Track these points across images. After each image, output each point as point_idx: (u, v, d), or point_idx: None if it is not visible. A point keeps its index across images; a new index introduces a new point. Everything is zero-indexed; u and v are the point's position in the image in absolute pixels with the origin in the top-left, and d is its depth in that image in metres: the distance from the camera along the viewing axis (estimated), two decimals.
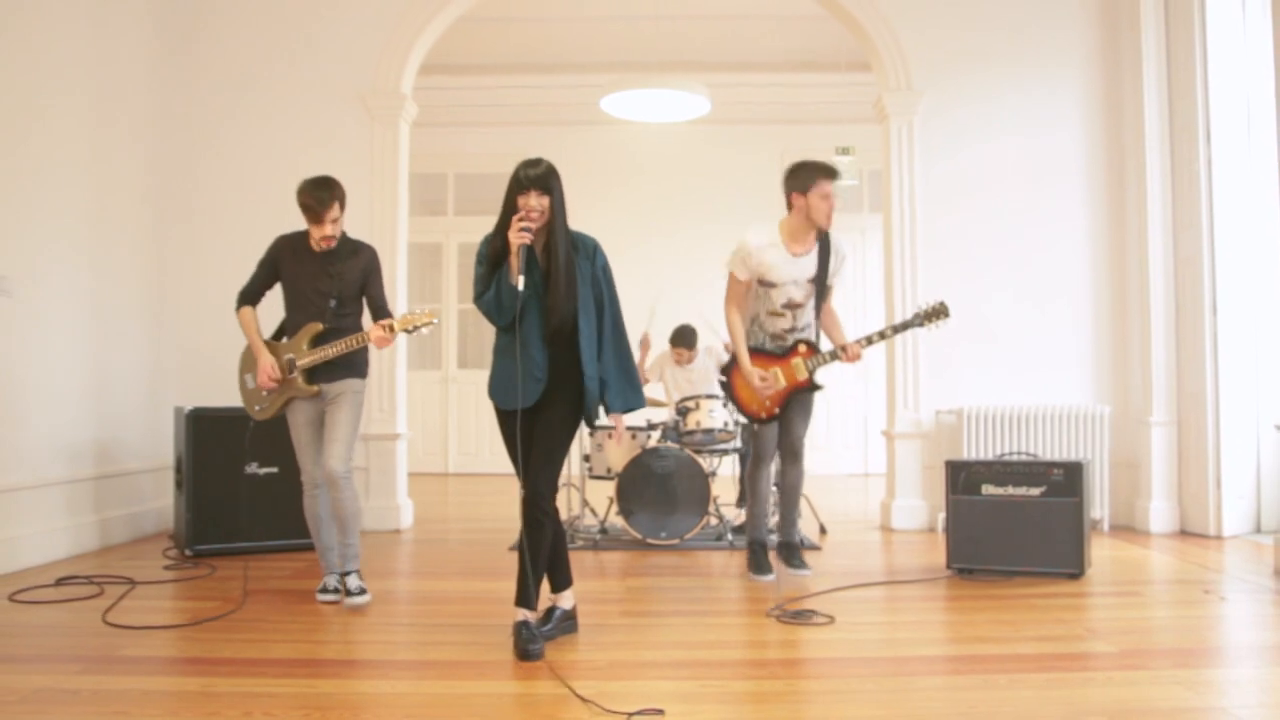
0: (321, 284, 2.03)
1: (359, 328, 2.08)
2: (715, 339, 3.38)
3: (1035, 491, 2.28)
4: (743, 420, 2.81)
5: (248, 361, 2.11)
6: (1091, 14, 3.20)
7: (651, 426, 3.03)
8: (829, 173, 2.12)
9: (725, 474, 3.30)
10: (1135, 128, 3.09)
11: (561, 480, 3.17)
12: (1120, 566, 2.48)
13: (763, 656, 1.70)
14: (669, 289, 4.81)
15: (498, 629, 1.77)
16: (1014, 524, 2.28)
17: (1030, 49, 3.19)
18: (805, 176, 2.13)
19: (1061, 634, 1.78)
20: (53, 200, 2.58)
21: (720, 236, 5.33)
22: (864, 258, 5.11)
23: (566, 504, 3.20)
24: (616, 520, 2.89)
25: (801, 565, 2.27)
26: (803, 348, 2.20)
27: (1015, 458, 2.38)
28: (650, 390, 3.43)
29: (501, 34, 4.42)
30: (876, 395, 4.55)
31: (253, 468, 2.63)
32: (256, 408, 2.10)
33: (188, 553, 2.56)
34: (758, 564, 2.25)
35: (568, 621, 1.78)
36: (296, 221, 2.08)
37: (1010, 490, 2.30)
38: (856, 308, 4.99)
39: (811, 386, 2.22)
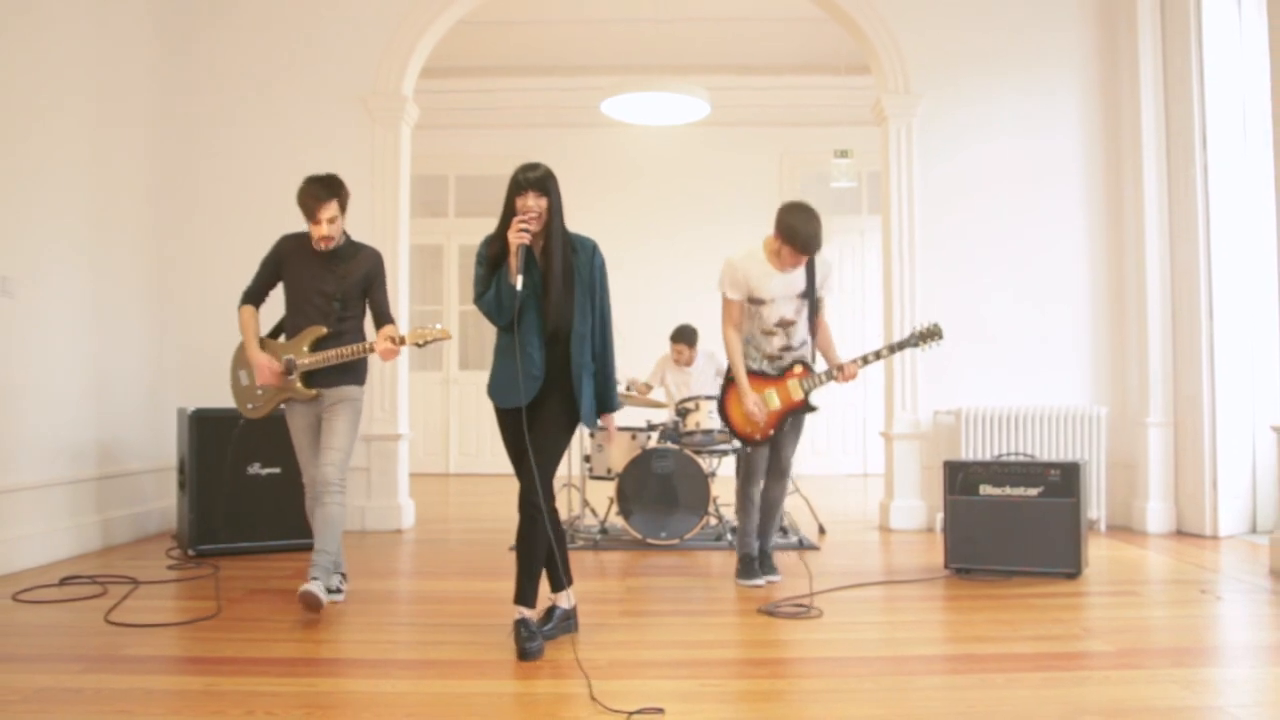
0: (325, 285, 2.00)
1: (361, 332, 2.06)
2: (718, 344, 3.39)
3: (1033, 492, 2.29)
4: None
5: (241, 358, 2.08)
6: (1089, 18, 3.22)
7: (651, 427, 3.04)
8: (805, 249, 2.08)
9: (725, 474, 3.30)
10: (1132, 132, 3.11)
11: (563, 481, 3.22)
12: (1117, 566, 2.50)
13: (762, 656, 1.71)
14: (668, 290, 4.83)
15: (498, 628, 1.78)
16: (1011, 524, 2.29)
17: (1028, 52, 3.21)
18: (790, 233, 2.08)
19: (1058, 633, 1.79)
20: (54, 201, 2.59)
21: (720, 238, 5.37)
22: (863, 259, 5.13)
23: (567, 504, 3.21)
24: (617, 520, 2.90)
25: (771, 570, 2.28)
26: (798, 368, 2.19)
27: (1013, 458, 2.39)
28: (651, 393, 3.45)
29: (502, 37, 4.44)
30: (875, 396, 4.56)
31: (255, 468, 2.64)
32: (249, 405, 2.06)
33: (190, 553, 2.57)
34: (743, 572, 2.26)
35: (567, 621, 1.79)
36: (298, 222, 2.07)
37: (1008, 491, 2.31)
38: (855, 310, 5.01)
39: (807, 408, 2.22)
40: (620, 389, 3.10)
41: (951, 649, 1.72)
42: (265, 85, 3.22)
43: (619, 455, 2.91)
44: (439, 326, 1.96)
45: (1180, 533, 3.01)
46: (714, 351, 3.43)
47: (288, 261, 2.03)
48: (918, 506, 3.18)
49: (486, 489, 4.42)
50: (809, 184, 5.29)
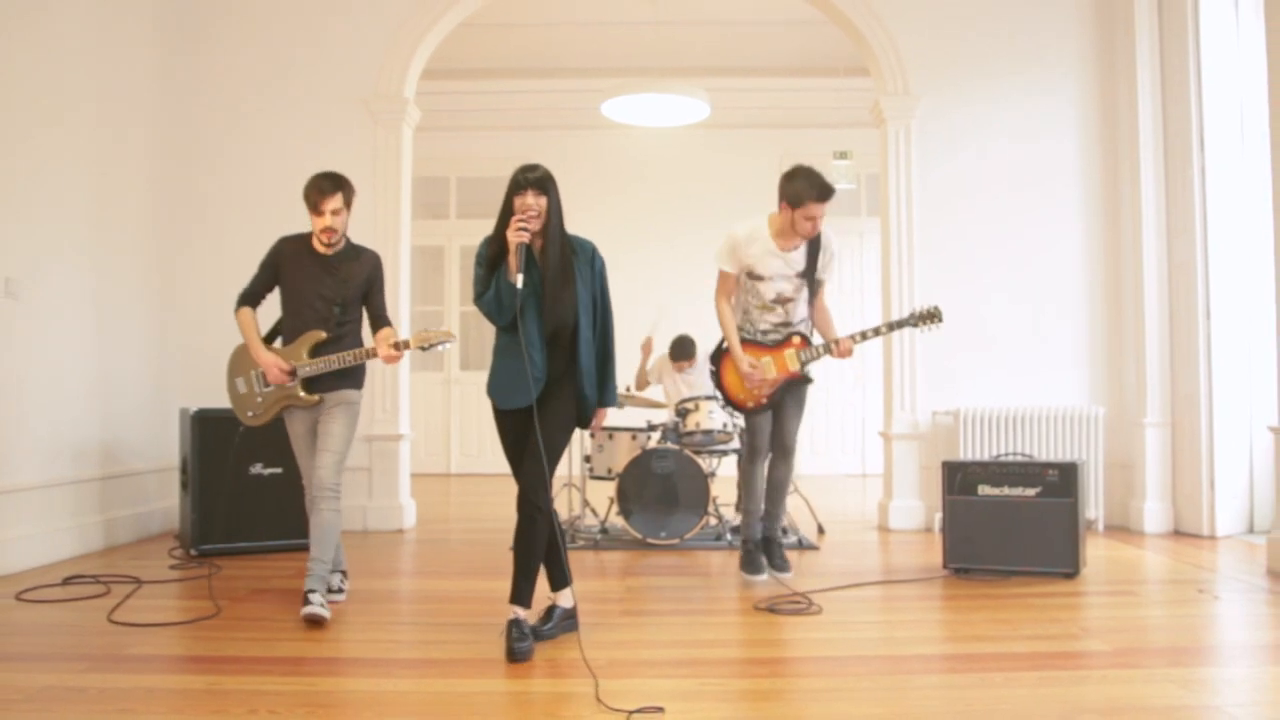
0: (325, 288, 1.96)
1: (359, 336, 2.04)
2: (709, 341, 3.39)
3: (1031, 492, 2.30)
4: (737, 417, 2.80)
5: (236, 365, 2.05)
6: (1087, 20, 3.23)
7: (651, 428, 3.05)
8: (821, 195, 2.06)
9: (725, 474, 3.31)
10: (1130, 133, 3.12)
11: (563, 481, 3.23)
12: (1115, 566, 2.50)
13: (762, 655, 1.72)
14: (668, 293, 4.84)
15: (499, 628, 1.77)
16: (1010, 524, 2.30)
17: (1026, 54, 3.22)
18: (798, 192, 2.07)
19: (1056, 633, 1.80)
20: (57, 203, 2.60)
21: (720, 239, 5.38)
22: (861, 261, 5.14)
23: (568, 504, 3.22)
24: (617, 520, 2.90)
25: (784, 566, 2.26)
26: (796, 339, 2.19)
27: (1011, 459, 2.40)
28: (649, 392, 3.47)
29: (503, 39, 4.45)
30: (874, 397, 4.58)
31: (257, 468, 2.65)
32: (249, 414, 2.03)
33: (193, 552, 2.58)
34: (750, 562, 2.24)
35: (568, 620, 1.80)
36: (301, 224, 2.07)
37: (1006, 491, 2.32)
38: (855, 310, 5.01)
39: (803, 379, 2.20)
40: (620, 390, 3.13)
41: (950, 648, 1.73)
42: (267, 87, 3.23)
43: (619, 455, 2.92)
44: (443, 329, 1.94)
45: (1178, 533, 3.02)
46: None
47: (286, 264, 1.99)
48: (916, 506, 3.19)
49: (487, 489, 4.43)
50: None
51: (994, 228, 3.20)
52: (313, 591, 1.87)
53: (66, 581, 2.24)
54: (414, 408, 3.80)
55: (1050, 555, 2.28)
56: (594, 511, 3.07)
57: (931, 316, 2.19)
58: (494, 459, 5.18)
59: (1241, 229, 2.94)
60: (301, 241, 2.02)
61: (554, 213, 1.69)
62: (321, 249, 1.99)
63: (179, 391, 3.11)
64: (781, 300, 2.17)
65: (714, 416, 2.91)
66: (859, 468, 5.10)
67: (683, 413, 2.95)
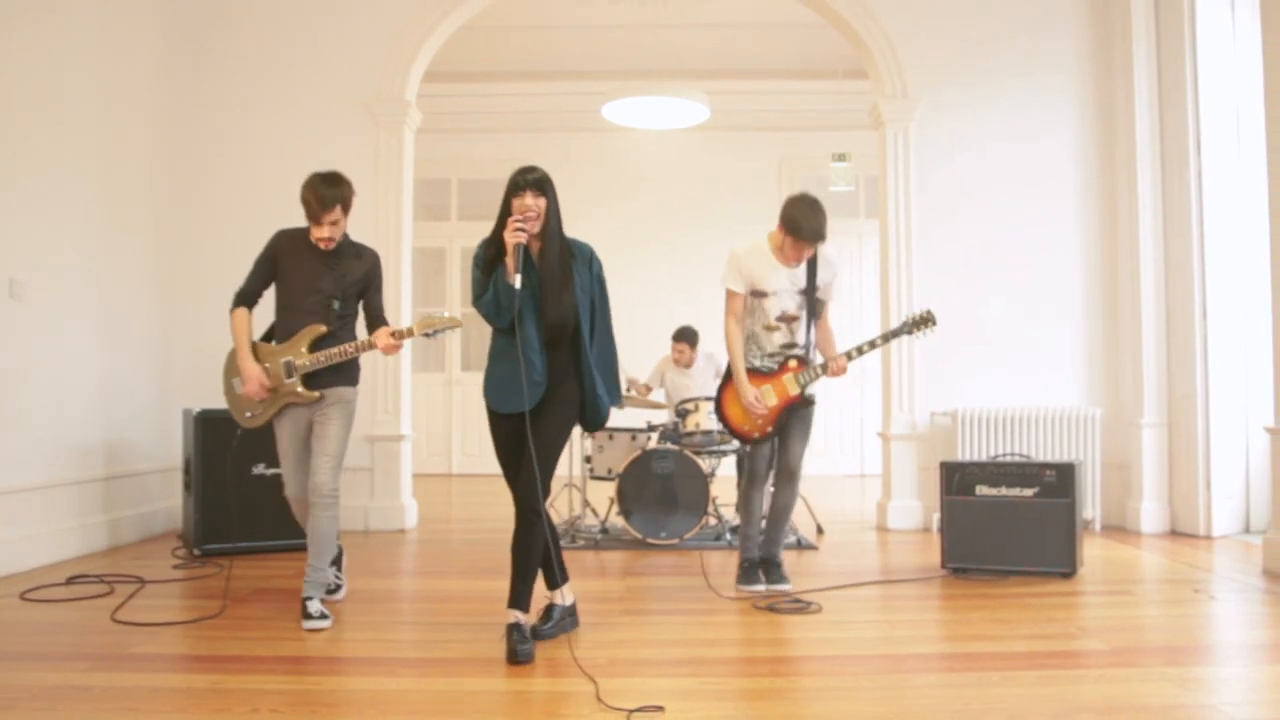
0: (323, 283, 1.91)
1: (353, 332, 2.00)
2: (717, 347, 3.41)
3: (1028, 492, 2.31)
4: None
5: (233, 366, 1.99)
6: (1084, 24, 3.25)
7: (651, 428, 3.07)
8: (812, 238, 2.07)
9: (724, 474, 3.32)
10: (1127, 136, 3.14)
11: (563, 481, 3.24)
12: (1112, 566, 2.51)
13: (761, 654, 1.73)
14: (666, 294, 4.86)
15: (500, 627, 1.78)
16: (1007, 524, 2.31)
17: (1024, 58, 3.24)
18: (794, 224, 2.07)
19: (1054, 632, 1.81)
20: (62, 205, 2.61)
21: (719, 242, 5.36)
22: (860, 263, 5.16)
23: (568, 504, 3.24)
24: (617, 520, 2.91)
25: (781, 580, 2.22)
26: (793, 363, 2.17)
27: (1009, 459, 2.41)
28: (651, 395, 3.47)
29: (504, 42, 4.47)
30: (872, 397, 4.59)
31: (260, 468, 2.66)
32: (248, 414, 1.96)
33: (196, 552, 2.59)
34: (747, 578, 2.22)
35: (569, 618, 1.80)
36: (302, 223, 2.04)
37: (1004, 491, 2.33)
38: (854, 312, 5.03)
39: (805, 402, 2.18)
40: (623, 388, 3.13)
41: (948, 647, 1.74)
42: (269, 90, 3.24)
43: (619, 456, 2.93)
44: (447, 314, 1.90)
45: (1174, 533, 3.04)
46: (713, 353, 3.45)
47: (284, 258, 1.94)
48: (915, 507, 3.21)
49: (488, 489, 4.44)
50: (807, 188, 5.27)
51: (992, 229, 3.21)
52: (310, 600, 1.87)
53: (70, 581, 2.25)
54: (415, 408, 3.80)
55: (1048, 555, 2.29)
56: (594, 511, 3.08)
57: (925, 321, 2.18)
58: (495, 460, 5.21)
59: (1238, 231, 2.95)
60: (300, 235, 1.96)
61: (552, 215, 1.68)
62: (322, 248, 1.96)
63: (182, 392, 3.12)
64: (786, 319, 2.16)
65: (713, 417, 2.92)
66: (858, 468, 5.12)
67: (682, 413, 2.96)
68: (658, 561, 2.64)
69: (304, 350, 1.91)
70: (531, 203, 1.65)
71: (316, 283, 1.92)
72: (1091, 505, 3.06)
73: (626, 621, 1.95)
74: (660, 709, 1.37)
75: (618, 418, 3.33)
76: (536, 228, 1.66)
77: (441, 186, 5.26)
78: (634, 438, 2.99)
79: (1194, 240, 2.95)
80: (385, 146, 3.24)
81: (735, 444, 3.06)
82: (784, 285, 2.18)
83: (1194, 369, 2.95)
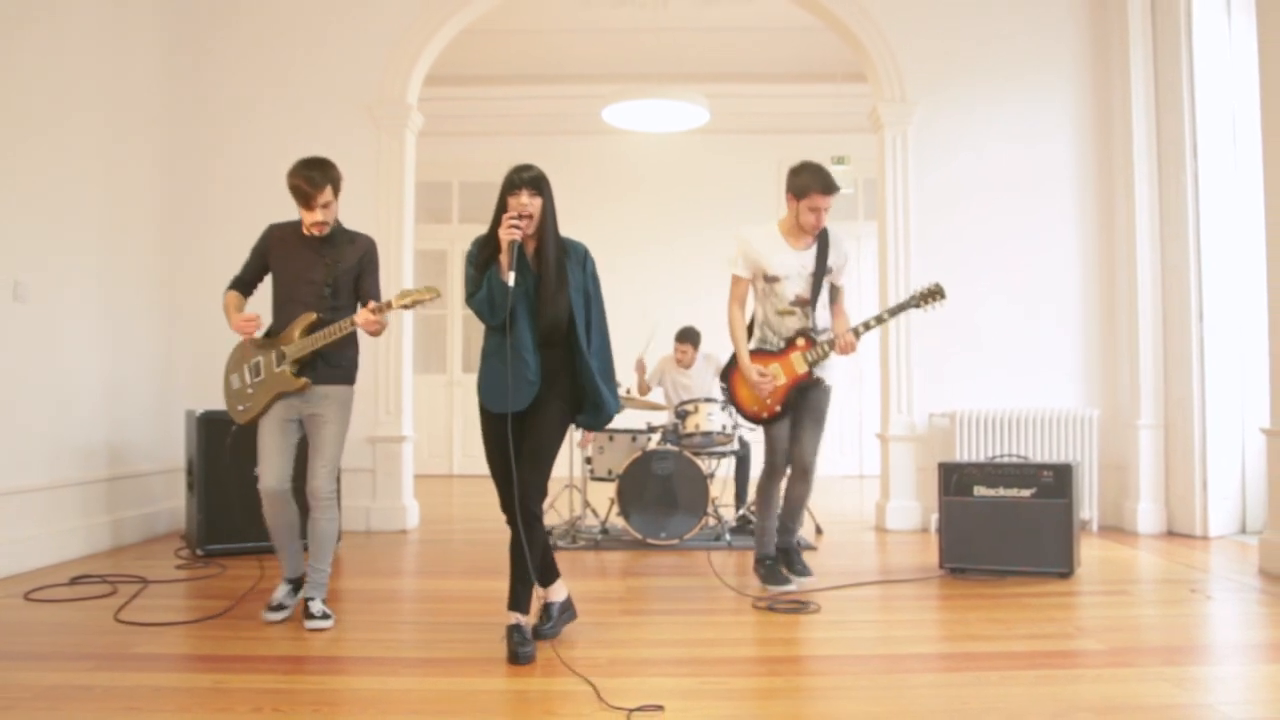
0: (314, 272, 1.87)
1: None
2: (717, 347, 3.43)
3: (1026, 493, 2.32)
4: (746, 425, 2.76)
5: (232, 362, 1.98)
6: (1082, 27, 3.26)
7: (651, 429, 3.08)
8: (826, 187, 2.06)
9: (724, 475, 3.33)
10: (1124, 139, 3.16)
11: (564, 481, 3.25)
12: (1109, 566, 2.53)
13: (760, 654, 1.74)
14: (666, 295, 4.87)
15: (501, 627, 1.79)
16: (1005, 525, 2.32)
17: (1022, 61, 3.26)
18: (803, 183, 2.08)
19: (1052, 632, 1.82)
20: (66, 208, 2.63)
21: (718, 244, 5.38)
22: (859, 264, 5.16)
23: (569, 504, 3.25)
24: (617, 521, 2.93)
25: (805, 571, 2.22)
26: (801, 341, 2.13)
27: (1006, 460, 2.44)
28: (651, 396, 3.50)
29: (505, 46, 4.49)
30: (871, 399, 4.60)
31: None
32: (240, 408, 1.92)
33: (199, 552, 2.60)
34: (772, 576, 2.19)
35: (566, 613, 1.80)
36: (294, 217, 2.00)
37: (1001, 492, 2.34)
38: (853, 313, 5.03)
39: (813, 381, 2.13)
40: (620, 390, 3.16)
41: (946, 647, 1.75)
42: (272, 93, 3.26)
43: (620, 457, 2.94)
44: (425, 286, 1.82)
45: (1171, 533, 3.05)
46: (711, 353, 3.47)
47: (276, 250, 1.92)
48: (913, 507, 3.22)
49: (489, 490, 4.41)
50: None
51: (990, 232, 3.23)
52: (311, 600, 1.87)
53: (74, 581, 2.26)
54: (417, 409, 3.82)
55: (1045, 555, 2.30)
56: (594, 512, 3.09)
57: (933, 294, 2.10)
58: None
59: (1234, 233, 2.97)
60: (291, 228, 1.94)
61: (548, 214, 1.67)
62: (316, 234, 1.91)
63: (185, 393, 3.14)
64: (801, 302, 2.13)
65: (713, 419, 2.93)
66: (856, 469, 5.14)
67: (682, 415, 2.98)
68: (658, 562, 2.65)
69: (297, 337, 1.88)
70: (527, 201, 1.64)
71: (309, 273, 1.89)
72: (1089, 506, 3.08)
73: (626, 621, 1.95)
74: (660, 708, 1.38)
75: (618, 419, 3.34)
76: (532, 226, 1.65)
77: (443, 189, 5.28)
78: (634, 439, 3.00)
79: (1190, 243, 2.97)
80: (387, 149, 3.26)
81: (735, 445, 3.08)
82: (794, 268, 2.13)
83: (1190, 371, 2.97)
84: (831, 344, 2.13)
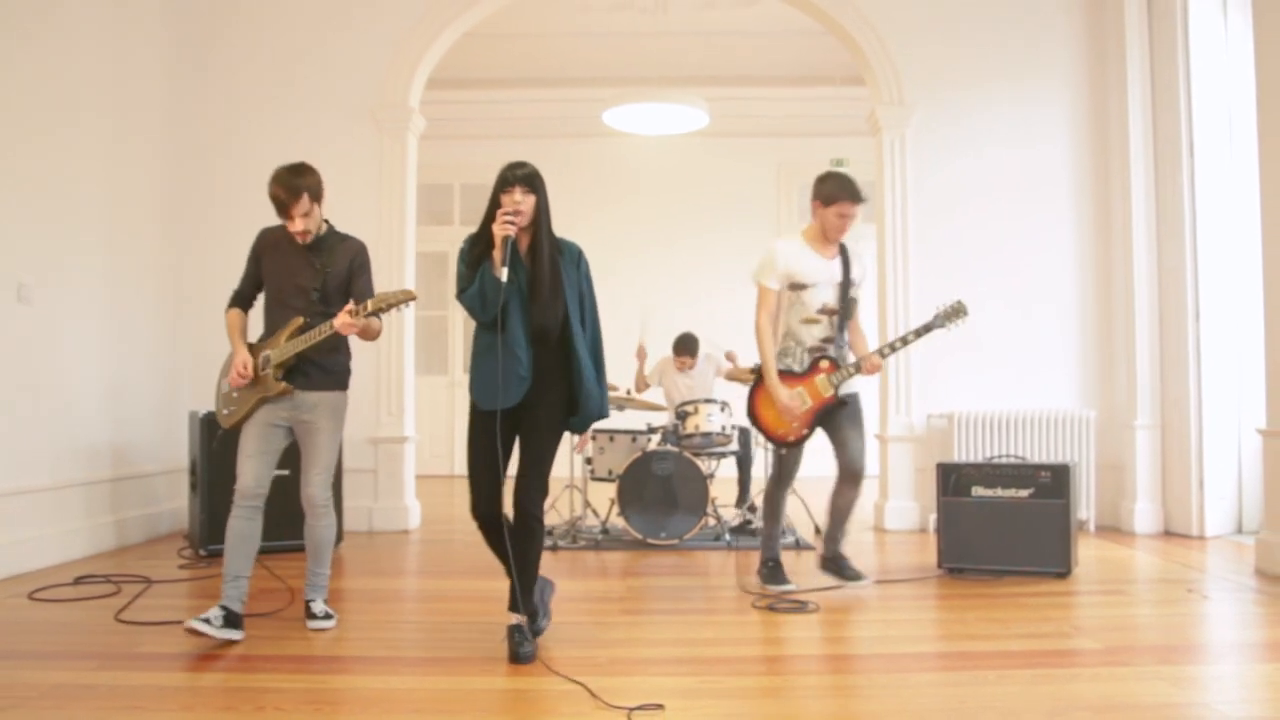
0: (302, 277, 1.84)
1: None
2: (715, 349, 3.45)
3: (1023, 493, 2.33)
4: (736, 418, 2.78)
5: (227, 366, 1.94)
6: (1078, 30, 3.28)
7: (651, 430, 3.09)
8: (854, 195, 2.09)
9: (723, 476, 3.34)
10: (1121, 140, 3.17)
11: (564, 482, 3.26)
12: (1106, 566, 2.53)
13: (760, 653, 1.75)
14: (666, 298, 4.88)
15: (502, 627, 1.79)
16: (1003, 525, 2.33)
17: (1019, 64, 3.27)
18: (831, 191, 2.11)
19: (1049, 631, 1.83)
20: (71, 210, 2.64)
21: (718, 246, 5.41)
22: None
23: (570, 505, 3.26)
24: (617, 521, 2.94)
25: (857, 575, 2.16)
26: (825, 363, 2.11)
27: (1004, 460, 2.44)
28: (650, 395, 3.51)
29: (506, 49, 4.50)
30: (870, 400, 4.58)
31: None
32: (225, 411, 1.91)
33: (202, 552, 2.61)
34: (774, 577, 2.20)
35: (546, 589, 1.75)
36: None
37: (999, 492, 2.35)
38: None
39: (839, 403, 2.11)
40: (620, 392, 3.17)
41: (945, 646, 1.76)
42: (276, 98, 3.27)
43: (620, 457, 2.95)
44: (400, 289, 1.80)
45: (1168, 533, 3.06)
46: (712, 354, 3.48)
47: (267, 255, 1.90)
48: (911, 507, 3.23)
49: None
50: (806, 193, 5.29)
51: (988, 233, 3.24)
52: (313, 601, 1.88)
53: (78, 581, 2.27)
54: (418, 410, 3.83)
55: (1043, 555, 2.31)
56: (595, 512, 3.11)
57: (957, 312, 2.12)
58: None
59: (1230, 234, 2.97)
60: (281, 231, 1.91)
61: (543, 212, 1.65)
62: (300, 242, 1.88)
63: (188, 394, 3.15)
64: (827, 311, 2.13)
65: (713, 419, 2.95)
66: None
67: (682, 415, 2.99)
68: (658, 562, 2.66)
69: (283, 342, 1.85)
70: (520, 198, 1.63)
71: (296, 278, 1.87)
72: (1086, 506, 3.09)
73: (626, 621, 1.96)
74: (660, 707, 1.38)
75: (618, 420, 3.36)
76: (525, 222, 1.63)
77: (444, 191, 5.30)
78: (634, 439, 3.02)
79: (1187, 244, 2.98)
80: (389, 152, 3.28)
81: (734, 445, 3.09)
82: (823, 276, 2.14)
83: (1187, 371, 2.98)
84: (857, 366, 2.12)
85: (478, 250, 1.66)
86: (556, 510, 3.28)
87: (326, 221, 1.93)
